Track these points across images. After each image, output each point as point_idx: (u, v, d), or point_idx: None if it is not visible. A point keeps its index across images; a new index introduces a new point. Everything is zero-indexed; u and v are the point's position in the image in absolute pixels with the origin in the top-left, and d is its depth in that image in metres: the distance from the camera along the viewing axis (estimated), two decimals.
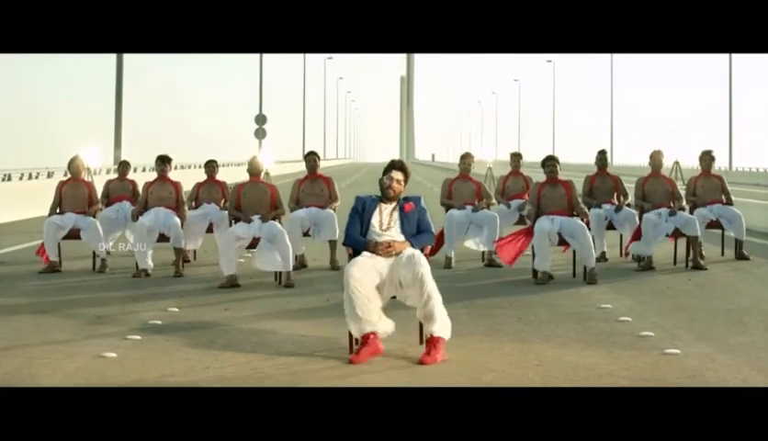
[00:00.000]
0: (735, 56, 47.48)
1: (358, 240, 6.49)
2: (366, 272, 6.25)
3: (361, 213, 6.56)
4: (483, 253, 11.31)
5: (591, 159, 12.06)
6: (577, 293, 9.04)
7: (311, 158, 11.25)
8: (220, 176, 11.89)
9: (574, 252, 10.06)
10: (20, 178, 24.77)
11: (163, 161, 10.98)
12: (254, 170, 10.19)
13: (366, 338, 6.15)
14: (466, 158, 11.61)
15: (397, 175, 6.62)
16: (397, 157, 7.38)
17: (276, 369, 5.92)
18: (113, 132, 25.52)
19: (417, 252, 6.36)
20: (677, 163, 13.28)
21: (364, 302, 6.16)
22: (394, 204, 6.61)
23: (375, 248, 6.38)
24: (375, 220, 6.52)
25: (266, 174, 12.07)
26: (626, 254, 11.30)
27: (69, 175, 11.44)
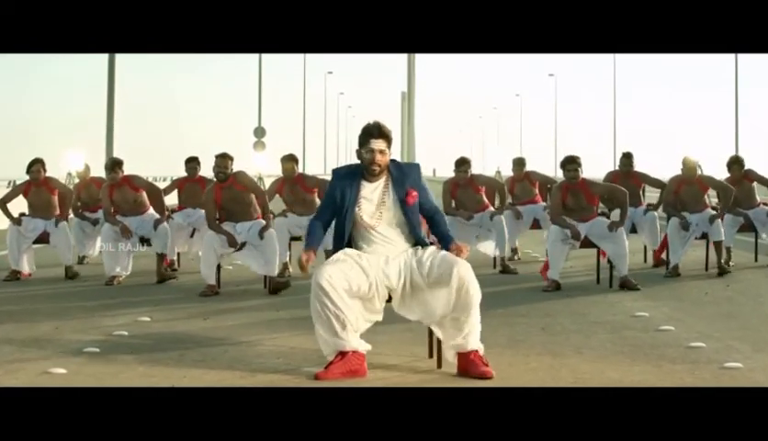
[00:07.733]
0: (741, 61, 46.05)
1: (314, 242, 5.27)
2: (344, 274, 5.02)
3: (339, 198, 5.21)
4: (495, 258, 10.32)
5: (594, 174, 11.09)
6: (604, 300, 7.97)
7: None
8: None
9: (598, 258, 9.05)
10: (7, 186, 23.78)
11: (113, 167, 9.47)
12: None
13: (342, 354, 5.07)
14: (461, 165, 10.33)
15: (379, 144, 5.18)
16: None
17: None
18: (104, 142, 24.48)
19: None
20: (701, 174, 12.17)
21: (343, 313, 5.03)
22: (382, 180, 5.26)
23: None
24: (364, 210, 5.18)
25: (260, 179, 11.14)
26: (658, 261, 10.27)
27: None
